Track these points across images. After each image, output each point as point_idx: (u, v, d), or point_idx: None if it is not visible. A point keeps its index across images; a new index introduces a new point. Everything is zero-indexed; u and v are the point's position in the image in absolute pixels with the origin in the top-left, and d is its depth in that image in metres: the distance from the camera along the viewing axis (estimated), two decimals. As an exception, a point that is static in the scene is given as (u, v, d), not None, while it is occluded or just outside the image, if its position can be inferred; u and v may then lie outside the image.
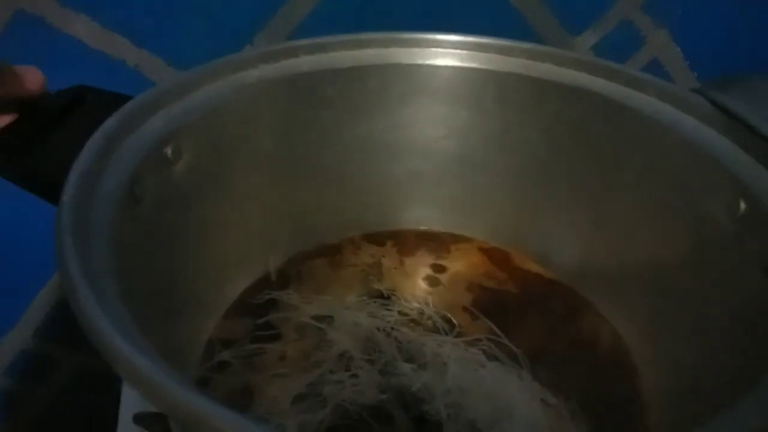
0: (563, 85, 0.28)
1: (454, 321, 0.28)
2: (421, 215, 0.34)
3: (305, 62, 0.28)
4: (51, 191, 0.21)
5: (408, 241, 0.33)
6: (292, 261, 0.31)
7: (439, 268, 0.32)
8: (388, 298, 0.29)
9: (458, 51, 0.30)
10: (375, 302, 0.29)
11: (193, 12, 0.36)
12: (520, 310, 0.29)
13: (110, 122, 0.21)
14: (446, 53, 0.30)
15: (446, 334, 0.27)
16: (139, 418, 0.25)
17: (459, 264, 0.32)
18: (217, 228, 0.27)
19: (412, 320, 0.28)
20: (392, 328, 0.26)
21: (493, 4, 0.38)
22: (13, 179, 0.22)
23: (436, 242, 0.33)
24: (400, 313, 0.28)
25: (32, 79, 0.22)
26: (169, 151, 0.23)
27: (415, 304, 0.29)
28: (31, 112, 0.22)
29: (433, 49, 0.30)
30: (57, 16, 0.34)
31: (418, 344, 0.25)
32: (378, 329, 0.26)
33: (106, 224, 0.19)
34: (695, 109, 0.24)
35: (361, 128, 0.31)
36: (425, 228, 0.34)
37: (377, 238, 0.33)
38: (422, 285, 0.31)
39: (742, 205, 0.21)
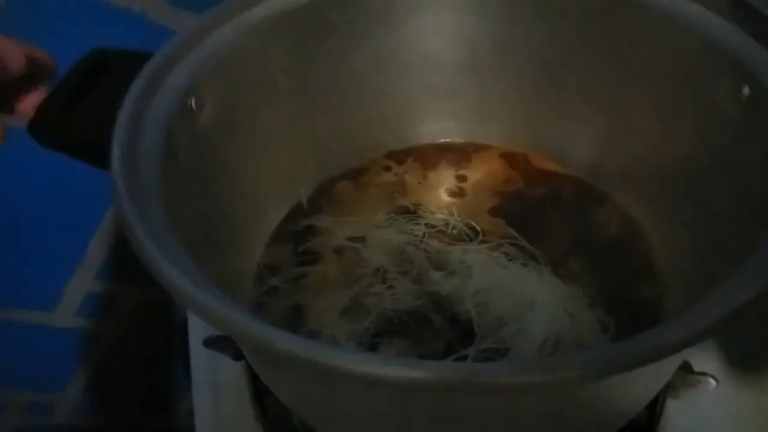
0: None
1: (478, 228, 0.30)
2: (439, 128, 0.35)
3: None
4: (95, 156, 0.23)
5: (429, 156, 0.35)
6: (321, 187, 0.33)
7: (461, 178, 0.34)
8: (415, 212, 0.31)
9: None
10: (403, 218, 0.31)
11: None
12: (540, 209, 0.31)
13: (136, 85, 0.22)
14: None
15: (471, 240, 0.29)
16: (209, 342, 0.29)
17: (480, 172, 0.34)
18: (248, 166, 0.29)
19: (439, 231, 0.30)
20: (421, 241, 0.29)
21: None
22: (58, 150, 0.24)
23: (457, 153, 0.35)
24: (426, 225, 0.30)
25: (13, 58, 0.22)
26: (192, 102, 0.24)
27: (440, 216, 0.31)
28: (57, 86, 0.24)
29: None
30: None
31: (445, 253, 0.27)
32: (408, 243, 0.28)
33: (151, 177, 0.21)
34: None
35: (369, 50, 0.31)
36: (444, 140, 0.35)
37: (399, 156, 0.35)
38: (445, 197, 0.33)
39: (746, 90, 0.22)
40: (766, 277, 0.15)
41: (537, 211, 0.31)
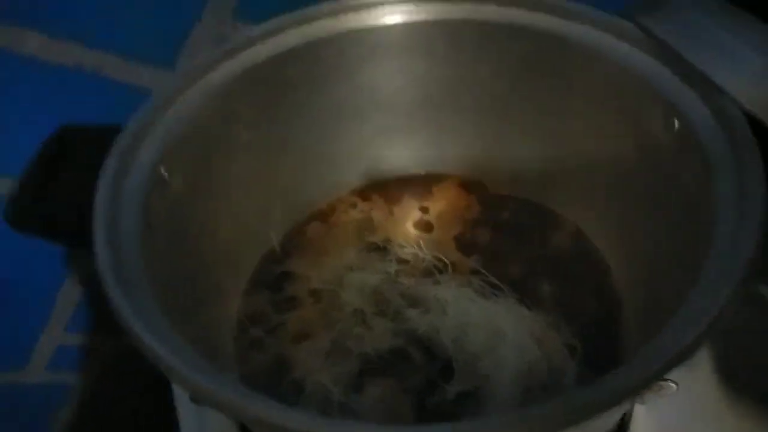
0: (507, 24, 0.30)
1: (446, 260, 0.31)
2: (399, 163, 0.36)
3: (261, 50, 0.30)
4: (69, 237, 0.23)
5: (392, 190, 0.36)
6: (292, 231, 0.34)
7: (425, 210, 0.35)
8: (385, 248, 0.33)
9: (405, 7, 0.31)
10: (375, 254, 0.32)
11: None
12: (501, 235, 0.33)
13: (108, 166, 0.23)
14: (394, 11, 0.31)
15: (441, 272, 0.31)
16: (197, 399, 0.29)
17: (442, 202, 0.35)
18: (220, 221, 0.30)
19: (410, 265, 0.31)
20: (396, 278, 0.30)
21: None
22: (33, 233, 0.24)
23: (418, 185, 0.36)
24: (398, 260, 0.32)
25: None
26: (164, 172, 0.25)
27: (410, 250, 0.32)
28: (26, 171, 0.24)
29: (381, 8, 0.31)
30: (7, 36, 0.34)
31: (419, 290, 0.29)
32: (383, 282, 0.30)
33: (132, 249, 0.22)
34: (628, 35, 0.27)
35: (327, 98, 0.33)
36: (406, 174, 0.37)
37: (364, 193, 0.36)
38: (412, 229, 0.34)
39: (676, 123, 0.24)
40: (710, 312, 0.17)
41: (498, 237, 0.33)
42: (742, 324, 0.30)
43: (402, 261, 0.31)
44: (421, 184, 0.36)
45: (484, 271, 0.29)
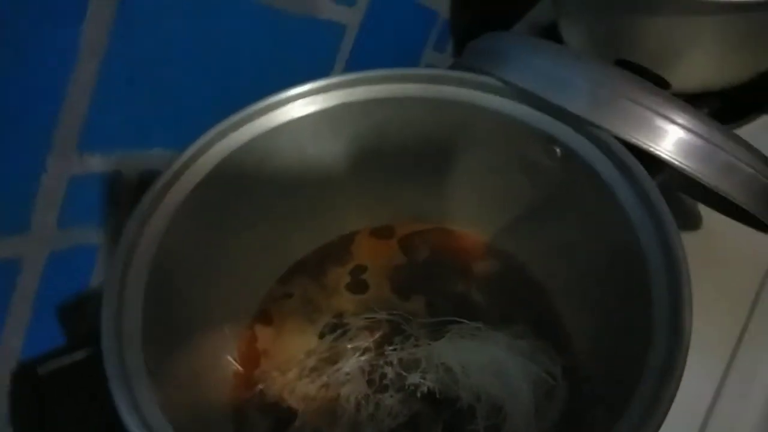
0: (405, 97, 0.33)
1: (403, 313, 0.34)
2: (312, 238, 0.38)
3: (199, 167, 0.30)
4: None
5: (312, 266, 0.37)
6: (245, 337, 0.34)
7: (355, 272, 0.37)
8: (344, 324, 0.34)
9: (315, 98, 0.33)
10: (335, 335, 0.34)
11: None
12: (431, 271, 0.37)
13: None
14: (306, 102, 0.33)
15: (406, 324, 0.33)
16: None
17: (364, 257, 0.38)
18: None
19: (375, 330, 0.34)
20: (374, 348, 0.32)
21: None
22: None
23: (335, 250, 0.38)
24: (367, 329, 0.33)
25: None
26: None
27: (366, 317, 0.34)
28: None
29: (290, 105, 0.33)
30: None
31: (402, 353, 0.32)
32: (362, 359, 0.32)
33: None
34: (491, 87, 0.32)
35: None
36: (321, 244, 0.38)
37: (289, 278, 0.37)
38: (350, 295, 0.36)
39: (558, 151, 0.30)
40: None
41: (429, 274, 0.37)
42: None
43: (367, 328, 0.34)
44: (337, 247, 0.38)
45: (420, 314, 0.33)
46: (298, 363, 0.33)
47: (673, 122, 0.29)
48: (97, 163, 0.36)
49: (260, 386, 0.32)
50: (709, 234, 0.41)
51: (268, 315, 0.35)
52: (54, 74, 0.32)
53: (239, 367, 0.33)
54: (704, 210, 0.42)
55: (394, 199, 0.38)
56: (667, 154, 0.29)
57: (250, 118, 0.32)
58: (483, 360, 0.29)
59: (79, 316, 0.38)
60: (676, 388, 0.21)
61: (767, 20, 0.41)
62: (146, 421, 0.21)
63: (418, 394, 0.30)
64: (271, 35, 0.42)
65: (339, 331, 0.34)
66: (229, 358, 0.33)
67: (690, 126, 0.29)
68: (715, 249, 0.40)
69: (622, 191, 0.28)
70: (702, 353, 0.34)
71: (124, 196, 0.38)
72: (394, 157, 0.35)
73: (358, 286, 0.37)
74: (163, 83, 0.38)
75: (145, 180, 0.38)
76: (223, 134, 0.31)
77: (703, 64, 0.43)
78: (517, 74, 0.31)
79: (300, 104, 0.33)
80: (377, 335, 0.33)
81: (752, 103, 0.48)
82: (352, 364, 0.31)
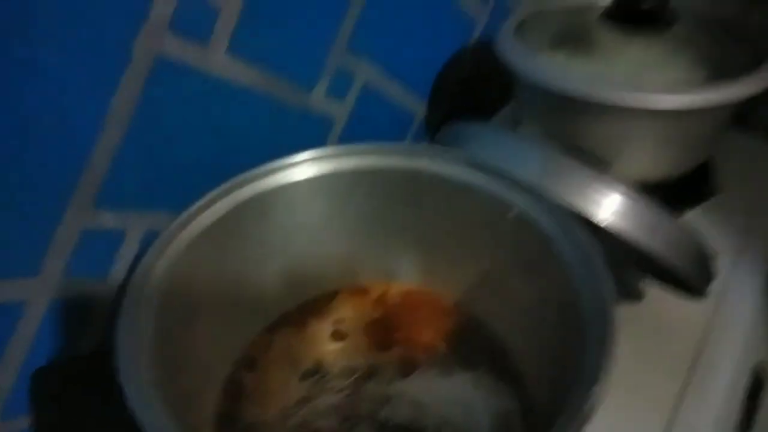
0: (386, 168, 0.39)
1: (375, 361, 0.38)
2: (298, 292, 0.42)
3: (201, 221, 0.34)
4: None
5: (295, 317, 0.41)
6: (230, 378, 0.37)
7: (338, 322, 0.41)
8: (323, 372, 0.38)
9: (309, 165, 0.38)
10: (319, 378, 0.37)
11: None
12: (403, 321, 0.41)
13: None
14: (303, 167, 0.38)
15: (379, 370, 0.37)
16: None
17: (344, 312, 0.42)
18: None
19: (355, 375, 0.37)
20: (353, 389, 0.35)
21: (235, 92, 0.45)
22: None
23: (316, 305, 0.42)
24: (344, 374, 0.37)
25: None
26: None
27: (344, 363, 0.38)
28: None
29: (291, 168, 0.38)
30: None
31: (377, 392, 0.35)
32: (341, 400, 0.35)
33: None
34: (459, 160, 0.38)
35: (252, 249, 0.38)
36: (308, 299, 0.42)
37: (273, 329, 0.40)
38: (333, 345, 0.40)
39: (511, 213, 0.36)
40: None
41: (399, 326, 0.41)
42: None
43: (348, 374, 0.37)
44: (318, 302, 0.42)
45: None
46: (278, 402, 0.36)
47: (607, 193, 0.36)
48: (108, 219, 0.41)
49: (242, 423, 0.35)
50: (651, 304, 0.46)
51: (254, 360, 0.39)
52: (84, 138, 0.38)
53: (222, 403, 0.35)
54: (649, 285, 0.47)
55: (372, 259, 0.43)
56: (599, 220, 0.35)
57: (250, 180, 0.37)
58: (449, 395, 0.33)
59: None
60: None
61: (693, 124, 0.49)
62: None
63: (390, 424, 0.33)
64: (270, 123, 0.49)
65: (318, 375, 0.37)
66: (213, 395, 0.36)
67: (621, 194, 0.35)
68: (656, 317, 0.45)
69: (566, 251, 0.33)
70: (645, 410, 0.38)
71: (126, 253, 0.42)
72: (375, 221, 0.41)
73: (337, 335, 0.40)
74: (174, 155, 0.43)
75: (147, 239, 0.42)
76: (228, 191, 0.36)
77: (641, 157, 0.51)
78: (481, 150, 0.37)
79: (295, 171, 0.38)
80: (353, 377, 0.37)
81: (693, 193, 0.55)
82: (328, 400, 0.34)
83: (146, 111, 0.40)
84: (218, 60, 0.43)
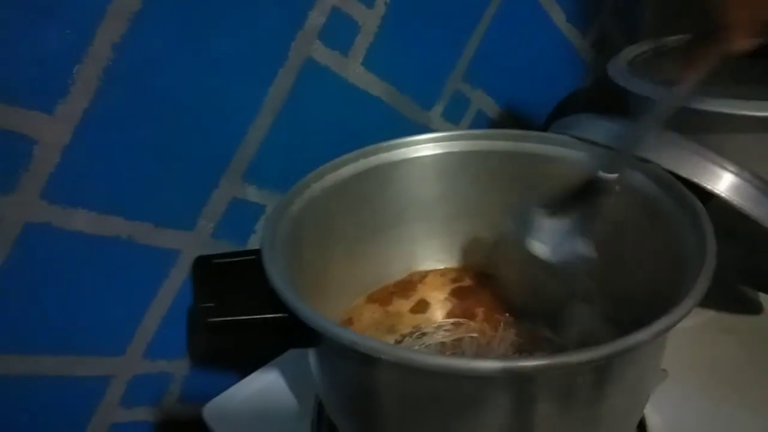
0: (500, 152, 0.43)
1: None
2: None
3: (316, 188, 0.39)
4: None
5: (385, 293, 0.45)
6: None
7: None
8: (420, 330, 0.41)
9: (428, 144, 0.43)
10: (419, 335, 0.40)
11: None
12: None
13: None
14: (422, 147, 0.43)
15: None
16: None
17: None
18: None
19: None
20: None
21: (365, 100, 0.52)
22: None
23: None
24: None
25: None
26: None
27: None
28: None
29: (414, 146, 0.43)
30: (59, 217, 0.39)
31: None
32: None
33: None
34: (562, 142, 0.41)
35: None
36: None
37: (377, 297, 0.44)
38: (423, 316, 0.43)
39: (617, 187, 0.37)
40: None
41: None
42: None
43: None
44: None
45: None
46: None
47: (725, 168, 0.36)
48: (252, 193, 0.48)
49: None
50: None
51: (350, 322, 0.42)
52: (243, 118, 0.46)
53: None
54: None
55: (469, 244, 0.46)
56: (718, 191, 0.35)
57: (374, 152, 0.42)
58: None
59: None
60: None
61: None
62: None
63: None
64: (391, 132, 0.54)
65: (417, 333, 0.40)
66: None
67: (738, 173, 0.36)
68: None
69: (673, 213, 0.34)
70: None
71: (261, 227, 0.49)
72: (480, 204, 0.44)
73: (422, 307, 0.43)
74: (309, 147, 0.50)
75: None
76: (356, 158, 0.42)
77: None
78: (581, 132, 0.40)
79: (416, 149, 0.43)
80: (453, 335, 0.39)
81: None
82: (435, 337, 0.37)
83: (293, 105, 0.47)
84: (355, 69, 0.50)
